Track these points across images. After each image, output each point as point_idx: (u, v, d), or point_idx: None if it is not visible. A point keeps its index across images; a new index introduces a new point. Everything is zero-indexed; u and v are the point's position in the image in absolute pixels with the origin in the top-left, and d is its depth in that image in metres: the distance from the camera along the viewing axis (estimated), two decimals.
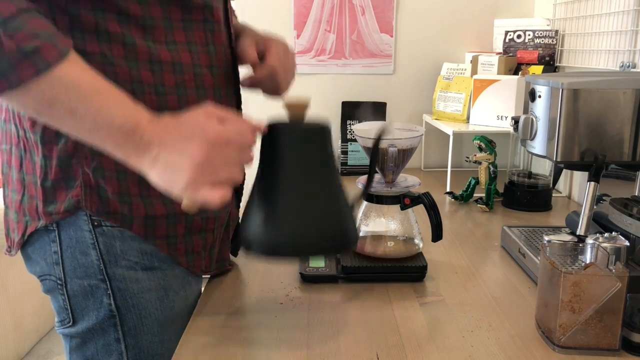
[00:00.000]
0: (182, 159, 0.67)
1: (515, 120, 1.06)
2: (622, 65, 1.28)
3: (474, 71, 1.69)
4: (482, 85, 1.59)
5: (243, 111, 1.02)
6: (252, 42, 0.96)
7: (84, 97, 0.66)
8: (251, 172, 0.80)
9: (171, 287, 0.87)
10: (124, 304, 0.83)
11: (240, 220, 0.77)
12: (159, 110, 0.78)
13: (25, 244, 0.85)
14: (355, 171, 1.77)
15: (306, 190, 0.74)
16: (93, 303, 0.84)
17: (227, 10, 0.92)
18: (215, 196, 0.68)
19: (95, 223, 0.81)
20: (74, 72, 0.66)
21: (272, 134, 0.74)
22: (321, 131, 0.75)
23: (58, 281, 0.84)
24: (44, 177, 0.80)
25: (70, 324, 0.86)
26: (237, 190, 1.03)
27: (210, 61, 0.85)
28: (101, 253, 0.81)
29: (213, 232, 0.91)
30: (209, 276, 1.00)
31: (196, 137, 0.67)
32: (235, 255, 1.05)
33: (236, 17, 1.08)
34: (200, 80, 0.84)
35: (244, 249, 0.77)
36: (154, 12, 0.78)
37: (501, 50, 1.74)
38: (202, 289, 0.96)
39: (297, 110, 0.75)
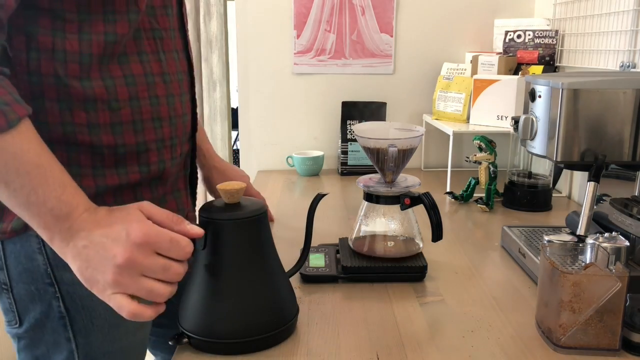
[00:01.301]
0: (104, 261, 0.65)
1: (515, 120, 1.06)
2: (622, 65, 1.28)
3: (474, 71, 1.69)
4: (482, 85, 1.59)
5: (198, 115, 1.01)
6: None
7: (22, 172, 0.65)
8: None
9: None
10: (74, 306, 0.82)
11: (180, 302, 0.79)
12: (112, 125, 0.79)
13: None
14: (355, 171, 1.77)
15: (239, 278, 0.75)
16: (41, 306, 0.83)
17: (182, 17, 0.92)
18: (128, 308, 0.65)
19: None
20: (19, 144, 0.65)
21: (202, 225, 0.74)
22: (252, 220, 0.76)
23: (3, 285, 0.83)
24: None
25: (17, 325, 0.85)
26: (193, 191, 1.03)
27: (162, 69, 0.85)
28: (48, 258, 0.80)
29: None
30: None
31: (121, 239, 0.65)
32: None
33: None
34: (153, 90, 0.84)
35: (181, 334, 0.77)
36: (119, 28, 0.78)
37: (501, 50, 1.74)
38: None
39: (230, 195, 0.76)
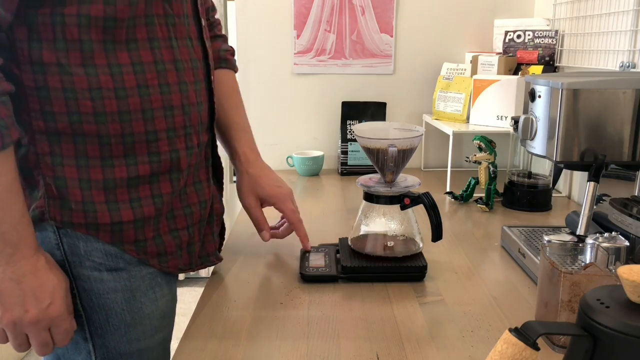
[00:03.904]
0: (14, 306, 0.75)
1: (515, 120, 1.06)
2: (622, 65, 1.28)
3: (474, 71, 1.69)
4: (482, 85, 1.59)
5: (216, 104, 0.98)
6: (257, 203, 1.08)
7: None
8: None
9: (138, 289, 0.85)
10: (90, 304, 0.83)
11: None
12: (119, 113, 0.79)
13: None
14: (355, 171, 1.77)
15: None
16: None
17: (197, 3, 0.89)
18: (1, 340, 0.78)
19: (59, 226, 0.81)
20: (2, 166, 0.71)
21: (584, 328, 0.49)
22: None
23: None
24: None
25: None
26: (219, 182, 1.02)
27: (173, 56, 0.83)
28: (65, 254, 0.81)
29: (188, 230, 0.90)
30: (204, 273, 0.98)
31: (42, 305, 0.76)
32: (219, 251, 1.03)
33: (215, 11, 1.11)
34: (164, 77, 0.82)
35: None
36: (121, 13, 0.76)
37: (501, 50, 1.74)
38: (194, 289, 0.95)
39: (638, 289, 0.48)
